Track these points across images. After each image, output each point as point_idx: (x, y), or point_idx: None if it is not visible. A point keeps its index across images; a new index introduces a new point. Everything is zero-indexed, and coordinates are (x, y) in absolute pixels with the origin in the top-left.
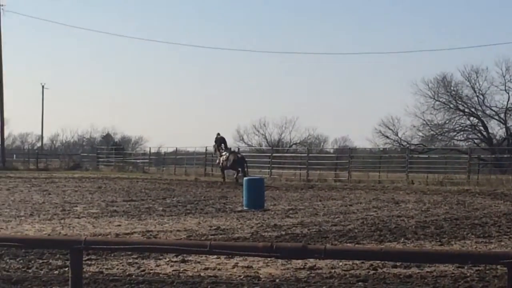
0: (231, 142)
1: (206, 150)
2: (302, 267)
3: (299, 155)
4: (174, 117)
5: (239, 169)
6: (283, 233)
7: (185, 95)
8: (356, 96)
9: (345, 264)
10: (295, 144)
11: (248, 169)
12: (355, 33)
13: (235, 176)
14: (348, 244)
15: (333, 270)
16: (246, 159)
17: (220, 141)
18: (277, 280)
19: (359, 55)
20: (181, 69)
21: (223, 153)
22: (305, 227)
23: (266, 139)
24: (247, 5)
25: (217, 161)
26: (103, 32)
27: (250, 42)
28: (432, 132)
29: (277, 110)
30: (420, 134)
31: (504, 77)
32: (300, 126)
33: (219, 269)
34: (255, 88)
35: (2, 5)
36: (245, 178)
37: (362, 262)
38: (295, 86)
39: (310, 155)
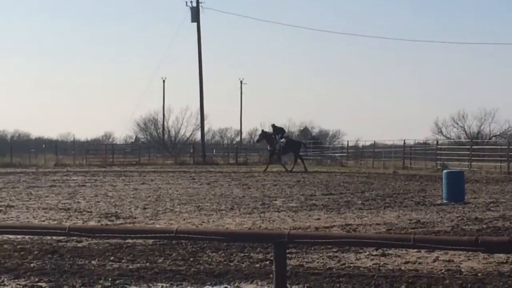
0: (429, 135)
1: (404, 143)
2: (504, 261)
3: (499, 147)
4: (371, 110)
5: (293, 153)
6: (484, 226)
7: (382, 88)
8: None
9: None
10: (495, 136)
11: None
12: None
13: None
14: None
15: None
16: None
17: (278, 130)
18: (479, 274)
19: None
20: (378, 62)
21: (281, 140)
22: (507, 221)
23: (465, 132)
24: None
25: (269, 147)
26: (298, 26)
27: (454, 34)
28: None
29: (476, 101)
30: None
31: None
32: (500, 118)
33: (419, 263)
34: (454, 79)
35: (201, 2)
36: (444, 171)
37: None
38: (494, 77)
39: (511, 147)
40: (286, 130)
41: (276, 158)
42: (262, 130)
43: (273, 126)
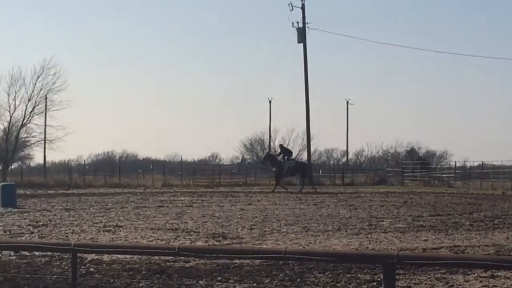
0: None
1: None
2: None
3: None
4: (479, 130)
5: (300, 175)
6: None
7: (490, 108)
8: None
9: None
10: None
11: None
12: None
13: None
14: None
15: None
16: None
17: (286, 152)
18: None
19: None
20: (484, 82)
21: (288, 162)
22: None
23: None
24: None
25: (274, 169)
26: (404, 46)
27: None
28: None
29: None
30: None
31: None
32: None
33: None
34: None
35: (307, 23)
36: None
37: None
38: None
39: None
40: (393, 151)
41: (279, 179)
42: (267, 152)
43: (281, 146)
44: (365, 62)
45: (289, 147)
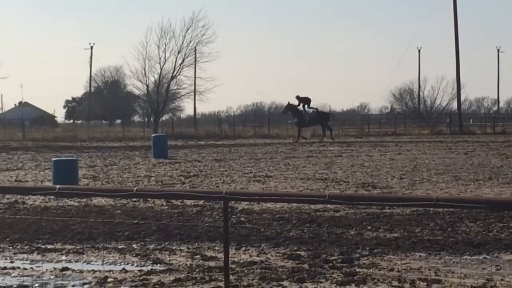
0: None
1: None
2: None
3: None
4: None
5: (322, 125)
6: None
7: None
8: None
9: None
10: None
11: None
12: None
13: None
14: None
15: None
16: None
17: (303, 100)
18: None
19: None
20: None
21: (310, 112)
22: None
23: None
24: None
25: (295, 119)
26: None
27: None
28: None
29: None
30: None
31: None
32: None
33: None
34: None
35: None
36: None
37: None
38: None
39: None
40: None
41: (299, 129)
42: (288, 102)
43: (298, 97)
44: None
45: (439, 96)
